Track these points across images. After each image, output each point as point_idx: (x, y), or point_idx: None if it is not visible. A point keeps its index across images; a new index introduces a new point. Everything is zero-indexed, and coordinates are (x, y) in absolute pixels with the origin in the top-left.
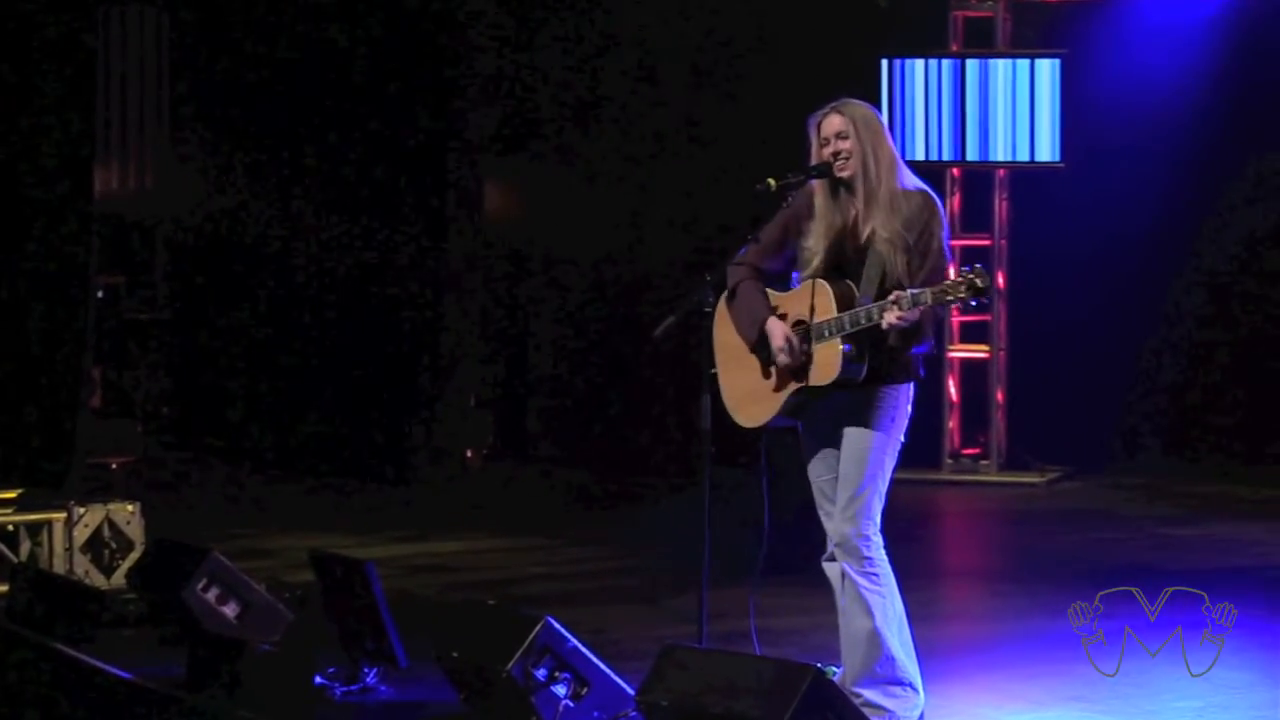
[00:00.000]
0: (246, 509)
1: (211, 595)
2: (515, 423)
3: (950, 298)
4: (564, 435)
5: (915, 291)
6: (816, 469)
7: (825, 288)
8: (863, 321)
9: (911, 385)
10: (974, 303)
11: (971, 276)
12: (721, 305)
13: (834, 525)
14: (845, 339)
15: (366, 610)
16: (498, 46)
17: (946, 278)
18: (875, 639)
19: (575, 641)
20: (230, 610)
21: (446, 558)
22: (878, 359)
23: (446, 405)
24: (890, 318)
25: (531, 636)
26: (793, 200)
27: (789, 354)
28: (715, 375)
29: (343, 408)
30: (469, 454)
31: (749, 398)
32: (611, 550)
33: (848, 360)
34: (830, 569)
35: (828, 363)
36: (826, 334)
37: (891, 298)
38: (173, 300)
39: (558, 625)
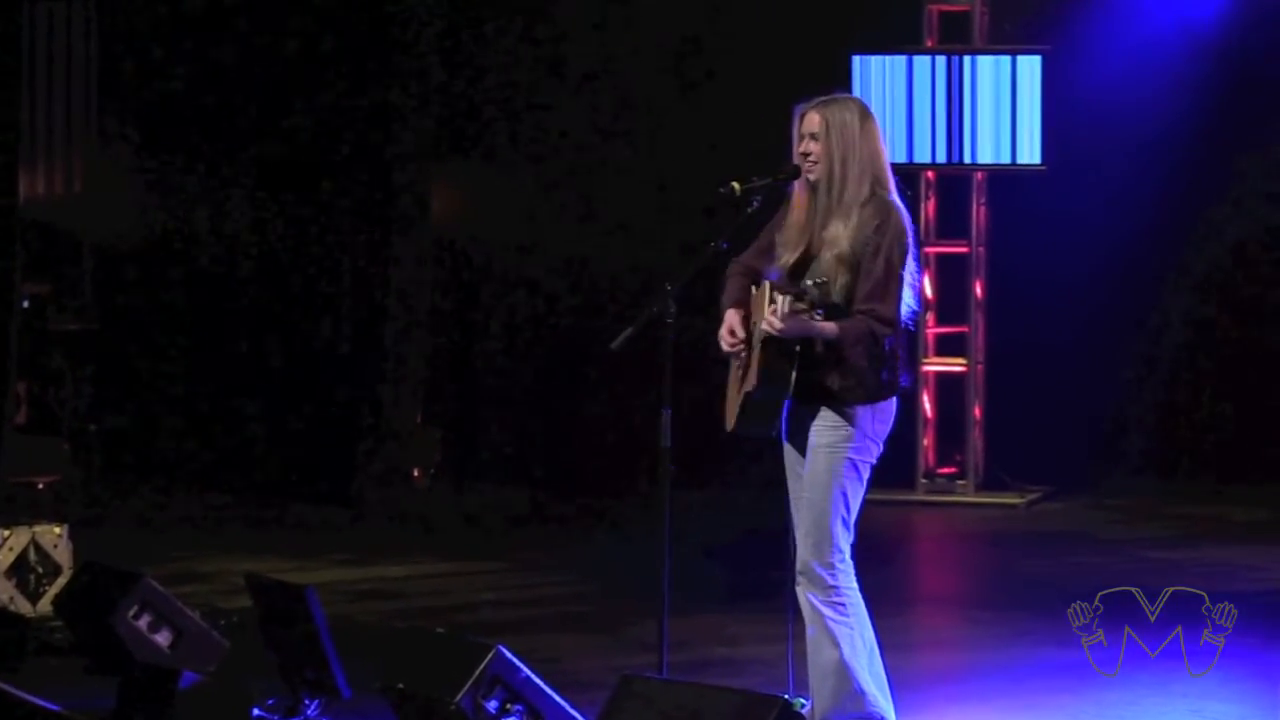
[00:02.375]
0: (180, 531)
1: (143, 622)
2: (465, 440)
3: (800, 305)
4: (516, 453)
5: (785, 297)
6: (790, 487)
7: (765, 290)
8: (765, 329)
9: (882, 405)
10: (819, 313)
11: (811, 288)
12: None
13: (798, 552)
14: (770, 347)
15: (307, 638)
16: (443, 41)
17: (896, 298)
18: (843, 672)
19: (528, 671)
20: (163, 638)
21: (392, 583)
22: (827, 375)
23: (391, 422)
24: (764, 324)
25: (482, 666)
26: (754, 209)
27: (727, 344)
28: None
29: (282, 425)
30: (415, 473)
31: (731, 400)
32: (567, 575)
33: (764, 371)
34: (802, 593)
35: (753, 370)
36: (755, 340)
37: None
38: (102, 311)
39: (510, 654)
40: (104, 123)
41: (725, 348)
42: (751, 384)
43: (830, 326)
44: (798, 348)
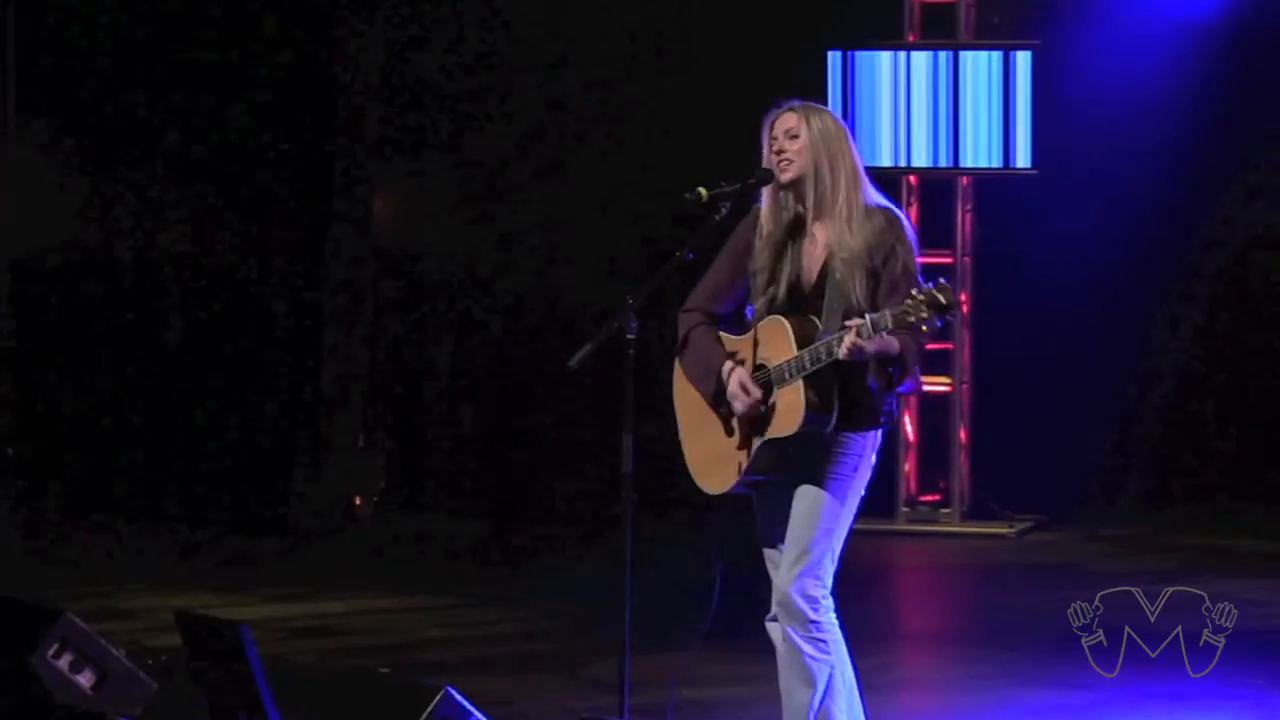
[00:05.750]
0: (103, 563)
1: (64, 662)
2: (410, 466)
3: (911, 318)
4: (466, 480)
5: (875, 316)
6: (767, 519)
7: (783, 324)
8: (823, 357)
9: (880, 432)
10: (939, 323)
11: (934, 292)
12: (678, 362)
13: (778, 582)
14: (808, 382)
15: (240, 679)
16: (388, 34)
17: None
18: (820, 713)
19: (479, 715)
20: (85, 679)
21: (332, 619)
22: (845, 403)
23: (331, 446)
24: (845, 347)
25: (429, 709)
26: (722, 217)
27: (745, 404)
28: (678, 438)
29: (212, 448)
30: (357, 501)
31: (713, 460)
32: (521, 610)
33: (810, 408)
34: (774, 630)
35: (790, 410)
36: (788, 376)
37: (850, 323)
38: (18, 328)
39: (459, 696)
40: (20, 123)
41: (741, 409)
42: (791, 427)
43: (894, 342)
44: (838, 377)
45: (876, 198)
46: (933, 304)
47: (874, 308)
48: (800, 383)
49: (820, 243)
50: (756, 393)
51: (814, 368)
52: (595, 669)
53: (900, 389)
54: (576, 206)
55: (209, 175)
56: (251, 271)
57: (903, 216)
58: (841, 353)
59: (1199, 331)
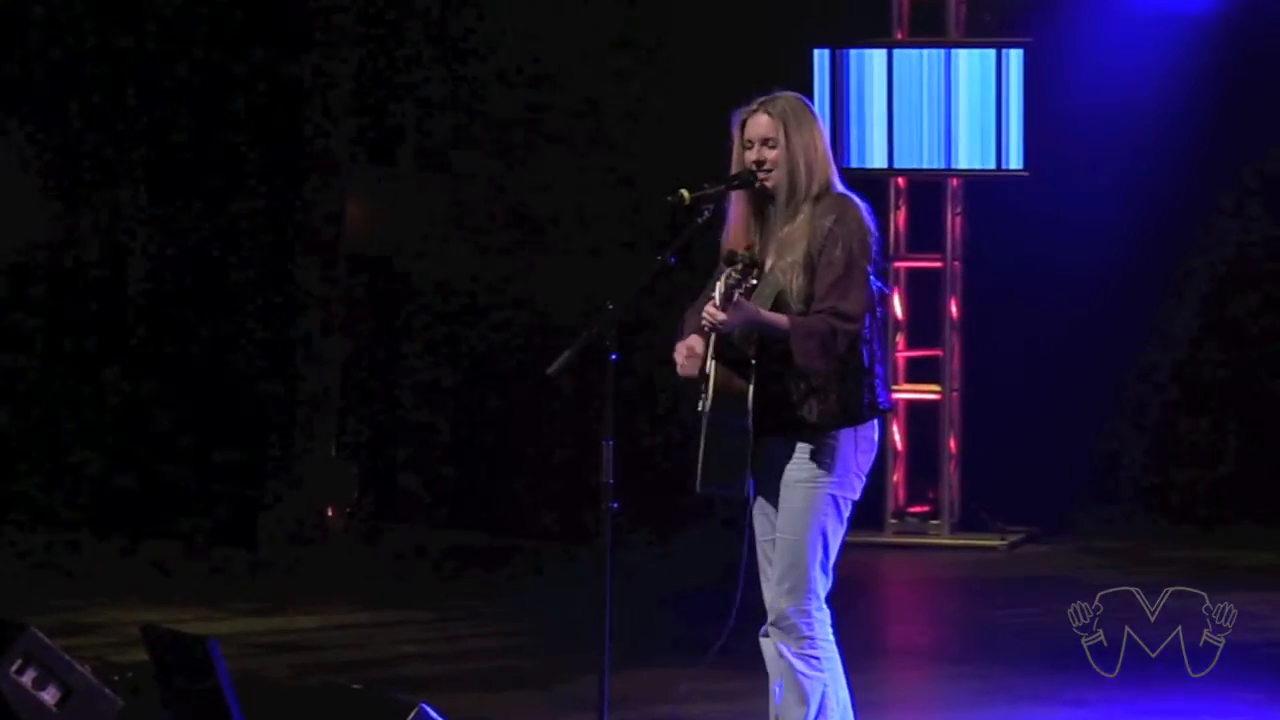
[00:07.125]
0: (67, 577)
1: (27, 678)
2: (384, 475)
3: (730, 279)
4: (441, 490)
5: (721, 278)
6: (759, 527)
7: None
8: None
9: (863, 431)
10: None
11: (736, 252)
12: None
13: (770, 597)
14: (719, 374)
15: (209, 696)
16: (363, 36)
17: (860, 295)
18: None
19: None
20: (49, 695)
21: (304, 634)
22: (804, 401)
23: (302, 455)
24: (703, 318)
25: None
26: (704, 219)
27: (681, 364)
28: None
29: (179, 458)
30: (329, 512)
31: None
32: (498, 625)
33: (717, 390)
34: (767, 645)
35: (707, 399)
36: (708, 357)
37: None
38: None
39: (434, 713)
40: None
41: (679, 368)
42: (706, 410)
43: (780, 317)
44: (753, 358)
45: (840, 187)
46: (728, 260)
47: (812, 295)
48: (714, 373)
49: (779, 238)
50: (699, 350)
51: (725, 351)
52: (574, 685)
53: (813, 364)
54: (557, 209)
55: (180, 183)
56: (222, 280)
57: (857, 202)
58: (704, 323)
59: (1196, 338)
